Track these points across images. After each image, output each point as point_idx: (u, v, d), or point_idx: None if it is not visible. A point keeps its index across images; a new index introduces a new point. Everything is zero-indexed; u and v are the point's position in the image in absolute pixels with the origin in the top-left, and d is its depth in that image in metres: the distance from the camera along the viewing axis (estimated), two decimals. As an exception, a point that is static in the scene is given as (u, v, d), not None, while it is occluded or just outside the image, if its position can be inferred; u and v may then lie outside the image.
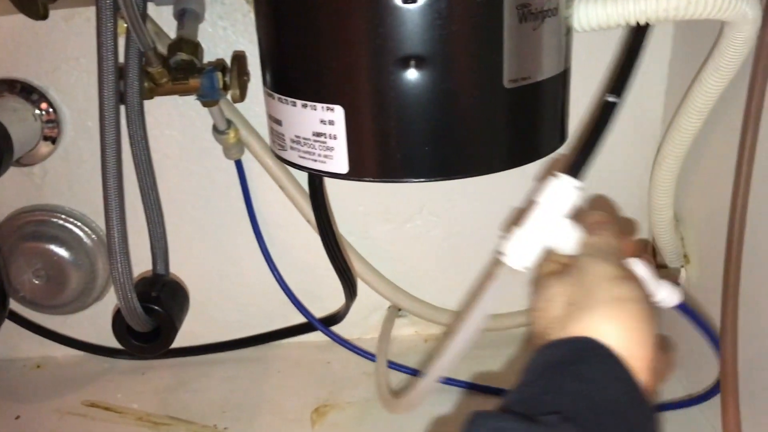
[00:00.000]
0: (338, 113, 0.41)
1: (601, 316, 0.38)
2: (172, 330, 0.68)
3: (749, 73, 0.53)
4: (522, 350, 0.81)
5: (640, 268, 0.44)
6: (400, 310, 0.84)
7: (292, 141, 0.44)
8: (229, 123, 0.70)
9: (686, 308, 0.47)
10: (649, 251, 0.80)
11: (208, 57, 0.70)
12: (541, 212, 0.42)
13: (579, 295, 0.39)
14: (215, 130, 0.70)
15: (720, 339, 0.55)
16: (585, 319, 0.38)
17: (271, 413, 0.75)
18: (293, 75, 0.43)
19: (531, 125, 0.44)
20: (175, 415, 0.75)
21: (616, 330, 0.37)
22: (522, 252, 0.42)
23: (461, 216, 0.79)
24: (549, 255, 0.45)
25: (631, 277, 0.40)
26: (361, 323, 0.85)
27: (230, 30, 0.70)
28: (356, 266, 0.78)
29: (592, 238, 0.43)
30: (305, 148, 0.43)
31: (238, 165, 0.75)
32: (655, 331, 0.38)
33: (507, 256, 0.42)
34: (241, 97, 0.66)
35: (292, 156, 0.45)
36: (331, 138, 0.42)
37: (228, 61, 0.67)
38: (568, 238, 0.43)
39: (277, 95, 0.44)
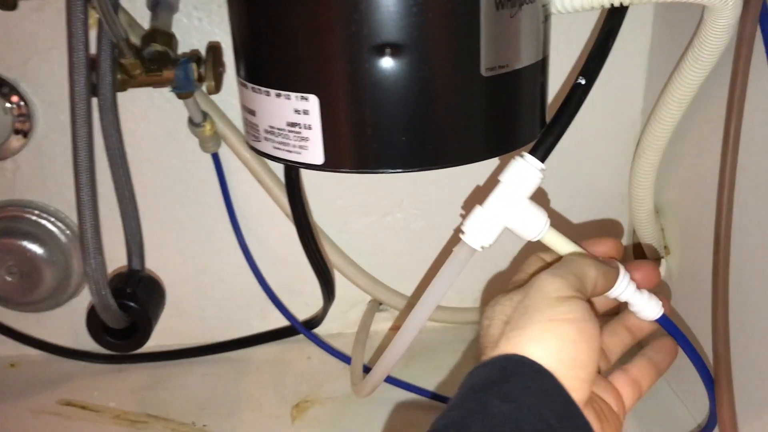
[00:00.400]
0: (312, 103, 0.40)
1: (530, 337, 0.37)
2: (148, 326, 0.67)
3: (729, 63, 0.52)
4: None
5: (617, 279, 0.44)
6: (380, 304, 0.83)
7: (266, 132, 0.43)
8: (204, 115, 0.69)
9: (667, 321, 0.46)
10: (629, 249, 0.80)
11: (184, 48, 0.68)
12: (502, 192, 0.41)
13: (516, 314, 0.39)
14: (191, 122, 0.69)
15: (712, 331, 0.55)
16: (514, 338, 0.37)
17: (250, 409, 0.74)
18: (266, 64, 0.42)
19: (509, 114, 0.43)
20: (153, 413, 0.74)
21: (545, 349, 0.36)
22: (481, 231, 0.41)
23: (442, 209, 0.79)
24: (524, 274, 0.45)
25: (576, 298, 0.38)
26: (342, 318, 0.84)
27: (206, 21, 0.69)
28: (336, 260, 0.77)
29: (571, 257, 0.42)
30: (279, 139, 0.42)
31: (215, 158, 0.73)
32: (595, 350, 0.37)
33: (466, 234, 0.42)
34: (217, 88, 0.64)
35: (266, 147, 0.44)
36: (305, 128, 0.41)
37: (203, 52, 0.66)
38: (528, 220, 0.42)
39: (250, 85, 0.43)
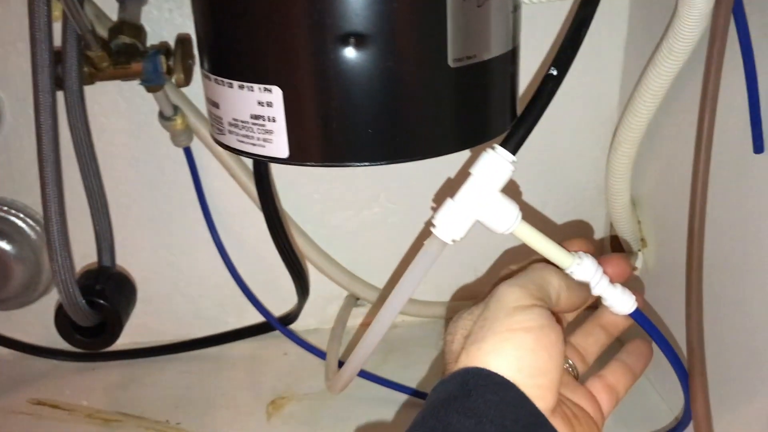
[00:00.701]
0: (276, 94, 0.39)
1: (489, 349, 0.36)
2: (118, 324, 0.66)
3: (704, 54, 0.52)
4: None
5: (588, 270, 0.43)
6: (358, 299, 0.83)
7: (230, 124, 0.42)
8: (175, 109, 0.68)
9: (641, 317, 0.45)
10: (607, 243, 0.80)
11: (155, 40, 0.67)
12: (473, 185, 0.41)
13: (476, 327, 0.38)
14: (161, 116, 0.68)
15: (686, 324, 0.54)
16: (473, 351, 0.37)
17: (225, 407, 0.73)
18: (228, 55, 0.41)
19: (479, 106, 0.43)
20: (127, 412, 0.72)
21: (504, 360, 0.36)
22: (452, 224, 0.41)
23: (420, 203, 0.78)
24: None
25: (535, 306, 0.38)
26: (319, 313, 0.83)
27: (176, 12, 0.68)
28: (312, 255, 0.77)
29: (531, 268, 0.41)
30: (243, 132, 0.41)
31: (187, 152, 0.72)
32: (556, 357, 0.37)
33: (437, 227, 0.41)
34: (186, 81, 0.63)
35: (230, 140, 0.43)
36: (269, 120, 0.40)
37: (172, 44, 0.65)
38: (499, 214, 0.41)
39: (213, 76, 0.42)
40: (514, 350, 0.36)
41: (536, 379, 0.36)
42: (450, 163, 0.73)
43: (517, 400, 0.35)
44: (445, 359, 0.40)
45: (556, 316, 0.40)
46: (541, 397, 0.36)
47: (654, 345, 0.47)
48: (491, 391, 0.35)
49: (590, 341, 0.46)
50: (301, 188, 0.76)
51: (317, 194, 0.77)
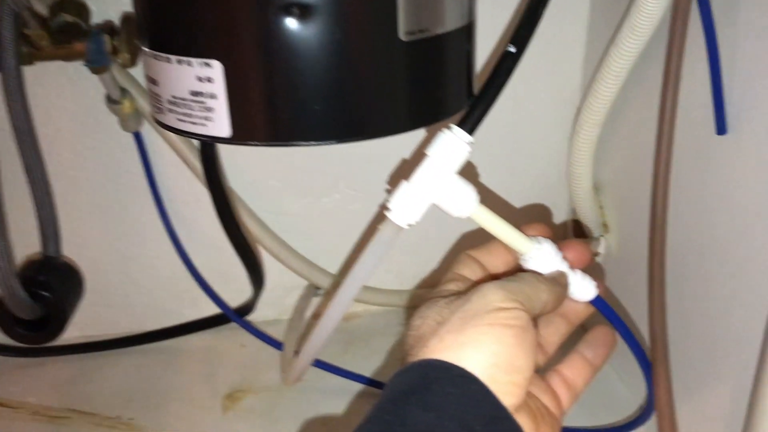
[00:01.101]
0: (216, 69, 0.37)
1: (466, 340, 0.35)
2: (63, 316, 0.63)
3: (666, 36, 0.51)
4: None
5: (547, 256, 0.42)
6: (318, 289, 0.80)
7: (169, 102, 0.39)
8: (123, 91, 0.65)
9: (602, 304, 0.44)
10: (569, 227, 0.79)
11: (100, 19, 0.64)
12: (429, 166, 0.39)
13: (454, 317, 0.37)
14: (108, 99, 0.65)
15: (648, 307, 0.54)
16: (448, 340, 0.36)
17: (180, 401, 0.71)
18: (165, 27, 0.38)
19: (433, 82, 0.41)
20: (76, 408, 0.70)
21: (481, 353, 0.35)
22: (407, 207, 0.39)
23: (381, 189, 0.76)
24: (454, 275, 0.43)
25: (519, 309, 0.37)
26: (278, 304, 0.81)
27: (123, -10, 0.65)
28: (269, 244, 0.74)
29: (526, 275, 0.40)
30: (183, 110, 0.39)
31: (137, 137, 0.69)
32: (531, 358, 0.36)
33: (391, 211, 0.39)
34: (132, 62, 0.60)
35: (169, 119, 0.40)
36: (210, 97, 0.37)
37: (118, 24, 0.62)
38: (456, 197, 0.40)
39: (150, 51, 0.39)
40: (493, 344, 0.35)
41: (511, 375, 0.35)
42: (413, 146, 0.71)
43: (479, 394, 0.34)
44: (408, 344, 0.38)
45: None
46: (512, 393, 0.35)
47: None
48: (453, 384, 0.34)
49: (550, 331, 0.45)
50: (258, 174, 0.74)
51: (275, 181, 0.75)
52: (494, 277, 0.45)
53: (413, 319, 0.39)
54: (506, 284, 0.38)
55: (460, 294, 0.40)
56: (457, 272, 0.44)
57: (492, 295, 0.37)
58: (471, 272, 0.44)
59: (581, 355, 0.44)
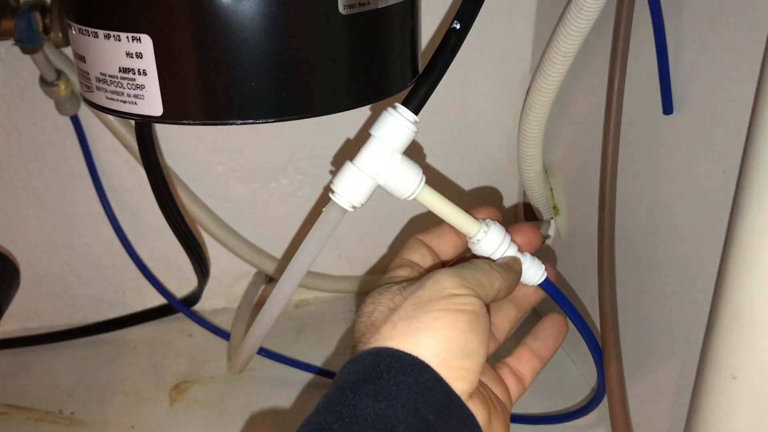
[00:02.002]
0: (146, 44, 0.35)
1: (419, 327, 0.35)
2: (-3, 309, 0.60)
3: (614, 15, 0.50)
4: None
5: (495, 239, 0.41)
6: (267, 276, 0.79)
7: (98, 80, 0.37)
8: (59, 73, 0.62)
9: (551, 287, 0.44)
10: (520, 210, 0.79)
11: (31, -2, 0.61)
12: (373, 147, 0.38)
13: (407, 303, 0.36)
14: (42, 81, 0.62)
15: (599, 290, 0.53)
16: (402, 326, 0.35)
17: (125, 393, 0.68)
18: (92, 0, 0.36)
19: (374, 58, 0.39)
20: (13, 403, 0.67)
21: (434, 339, 0.34)
22: (351, 189, 0.38)
23: (330, 173, 0.75)
24: (404, 261, 0.43)
25: (472, 295, 0.37)
26: (226, 292, 0.79)
27: (56, -33, 0.62)
28: (216, 231, 0.72)
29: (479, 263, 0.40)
30: (112, 88, 0.37)
31: (75, 121, 0.67)
32: (484, 343, 0.36)
33: (336, 193, 0.38)
34: (65, 41, 0.58)
35: (98, 98, 0.38)
36: (140, 74, 0.36)
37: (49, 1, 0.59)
38: (402, 178, 0.39)
39: (77, 26, 0.37)
40: (446, 330, 0.35)
41: (464, 361, 0.35)
42: (363, 128, 0.70)
43: (431, 382, 0.34)
44: (359, 330, 0.38)
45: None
46: (465, 379, 0.35)
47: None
48: (404, 373, 0.33)
49: (500, 317, 0.45)
50: (203, 159, 0.72)
51: (221, 165, 0.73)
52: (444, 263, 0.44)
53: (364, 305, 0.39)
54: (460, 271, 0.38)
55: (412, 280, 0.39)
56: (406, 258, 0.43)
57: (446, 281, 0.37)
58: (420, 257, 0.43)
59: (529, 347, 0.44)
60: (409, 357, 0.34)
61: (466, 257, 0.45)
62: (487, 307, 0.38)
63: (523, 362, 0.44)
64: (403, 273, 0.41)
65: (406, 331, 0.35)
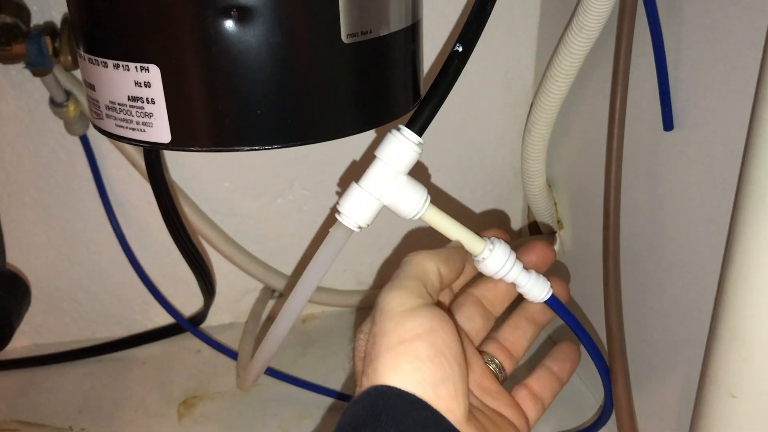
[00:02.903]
0: (154, 74, 0.36)
1: (385, 368, 0.33)
2: (9, 328, 0.61)
3: (615, 33, 0.51)
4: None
5: (499, 259, 0.41)
6: (275, 291, 0.79)
7: (107, 108, 0.38)
8: (67, 94, 0.63)
9: (557, 304, 0.44)
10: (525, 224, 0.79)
11: (41, 20, 0.62)
12: (378, 168, 0.39)
13: (369, 345, 0.35)
14: (52, 103, 0.63)
15: (605, 304, 0.54)
16: (371, 374, 0.34)
17: (134, 409, 0.69)
18: (102, 31, 0.37)
19: (377, 85, 0.40)
20: (25, 419, 0.68)
21: (402, 376, 0.33)
22: (357, 210, 0.39)
23: (335, 190, 0.75)
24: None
25: (422, 306, 0.35)
26: (233, 307, 0.80)
27: (65, -10, 0.63)
28: (222, 247, 0.73)
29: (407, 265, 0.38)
30: (121, 116, 0.38)
31: (84, 140, 0.68)
32: (454, 361, 0.34)
33: (342, 214, 0.39)
34: (75, 64, 0.59)
35: (108, 125, 0.39)
36: (148, 102, 0.36)
37: (59, 24, 0.60)
38: (406, 198, 0.39)
39: (87, 56, 0.38)
40: (409, 363, 0.33)
41: (438, 389, 0.33)
42: (366, 146, 0.71)
43: (430, 419, 0.32)
44: (356, 366, 0.38)
45: (442, 306, 0.38)
46: (449, 410, 0.33)
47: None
48: (402, 412, 0.32)
49: (518, 335, 0.44)
50: (211, 176, 0.73)
51: (227, 182, 0.74)
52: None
53: (357, 339, 0.39)
54: (395, 281, 0.37)
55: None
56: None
57: (390, 302, 0.35)
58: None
59: (548, 368, 0.44)
60: (406, 395, 0.33)
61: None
62: (449, 305, 0.37)
63: (542, 383, 0.43)
64: None
65: (374, 376, 0.34)
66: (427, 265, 0.38)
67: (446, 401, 0.33)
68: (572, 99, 0.61)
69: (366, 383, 0.34)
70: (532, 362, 0.46)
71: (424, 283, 0.37)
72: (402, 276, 0.37)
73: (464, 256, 0.41)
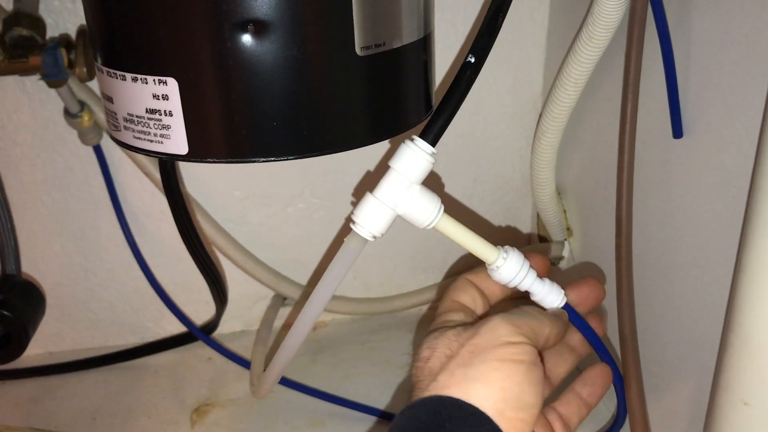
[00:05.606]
0: (172, 87, 0.36)
1: (476, 376, 0.35)
2: (24, 336, 0.61)
3: (624, 42, 0.51)
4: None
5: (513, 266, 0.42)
6: (285, 299, 0.80)
7: (125, 120, 0.39)
8: (82, 105, 0.64)
9: (572, 312, 0.44)
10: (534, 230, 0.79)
11: (56, 32, 0.63)
12: (392, 178, 0.39)
13: (464, 350, 0.37)
14: (67, 113, 0.64)
15: (618, 311, 0.54)
16: (459, 375, 0.36)
17: (146, 416, 0.70)
18: (120, 45, 0.38)
19: (391, 96, 0.41)
20: (39, 427, 0.68)
21: (490, 389, 0.35)
22: (372, 220, 0.39)
23: (345, 197, 0.76)
24: (455, 304, 0.43)
25: (526, 343, 0.37)
26: (245, 315, 0.80)
27: (79, 3, 0.64)
28: (234, 255, 0.74)
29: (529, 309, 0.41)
30: (139, 128, 0.38)
31: (98, 150, 0.68)
32: (540, 394, 0.36)
33: (356, 223, 0.39)
34: (90, 75, 0.59)
35: (126, 137, 0.40)
36: (166, 115, 0.37)
37: (74, 37, 0.61)
38: (420, 208, 0.40)
39: (105, 69, 0.39)
40: (502, 381, 0.35)
41: (520, 412, 0.35)
42: (378, 156, 0.71)
43: None
44: (416, 375, 0.38)
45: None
46: (520, 430, 0.35)
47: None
48: (466, 424, 0.34)
49: (558, 362, 0.45)
50: (222, 185, 0.73)
51: (238, 191, 0.74)
52: (493, 306, 0.45)
53: (421, 349, 0.39)
54: (513, 318, 0.38)
55: (466, 325, 0.40)
56: (456, 299, 0.44)
57: (501, 328, 0.37)
58: (470, 299, 0.44)
59: (577, 393, 0.45)
60: (470, 408, 0.34)
61: (514, 297, 0.46)
62: (541, 355, 0.39)
63: (570, 408, 0.44)
64: (457, 317, 0.42)
65: (463, 380, 0.35)
66: (544, 328, 0.40)
67: (520, 424, 0.35)
68: (581, 107, 0.61)
69: (446, 380, 0.36)
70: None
71: (535, 337, 0.38)
72: (522, 319, 0.39)
73: (564, 331, 0.42)
